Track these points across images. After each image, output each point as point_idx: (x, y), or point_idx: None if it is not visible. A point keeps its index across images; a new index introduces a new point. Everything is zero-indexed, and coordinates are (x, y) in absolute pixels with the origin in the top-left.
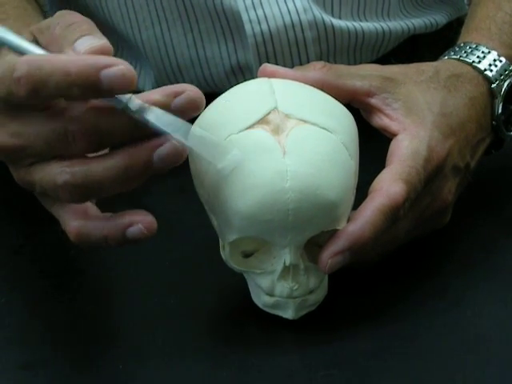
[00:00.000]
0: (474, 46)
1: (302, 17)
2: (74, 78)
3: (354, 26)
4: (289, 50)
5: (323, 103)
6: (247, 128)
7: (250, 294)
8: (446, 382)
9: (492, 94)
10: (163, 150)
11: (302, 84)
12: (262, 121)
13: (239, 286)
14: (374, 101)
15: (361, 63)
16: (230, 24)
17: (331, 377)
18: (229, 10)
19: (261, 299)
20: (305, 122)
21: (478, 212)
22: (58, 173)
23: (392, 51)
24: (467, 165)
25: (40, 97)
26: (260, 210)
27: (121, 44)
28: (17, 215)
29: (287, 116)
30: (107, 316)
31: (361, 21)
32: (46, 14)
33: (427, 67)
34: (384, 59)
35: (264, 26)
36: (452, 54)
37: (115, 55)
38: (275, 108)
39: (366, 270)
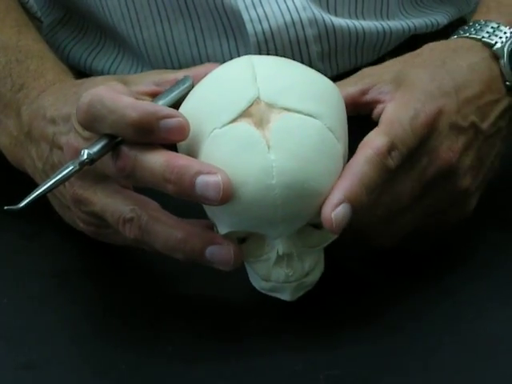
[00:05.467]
0: (470, 23)
1: (302, 14)
2: (132, 121)
3: (354, 25)
4: (290, 48)
5: (307, 83)
6: (230, 122)
7: (250, 292)
8: (447, 381)
9: (496, 57)
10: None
11: (285, 60)
12: (245, 113)
13: (240, 283)
14: (369, 96)
15: (362, 62)
16: (231, 22)
17: (333, 377)
18: (229, 8)
19: (258, 283)
20: (288, 110)
21: (482, 214)
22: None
23: (393, 51)
24: (473, 124)
25: (94, 129)
26: (248, 208)
27: (121, 44)
28: (18, 216)
29: (270, 105)
30: (108, 316)
31: (360, 20)
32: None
33: (422, 49)
34: (385, 59)
35: (265, 25)
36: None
37: (116, 57)
38: (257, 98)
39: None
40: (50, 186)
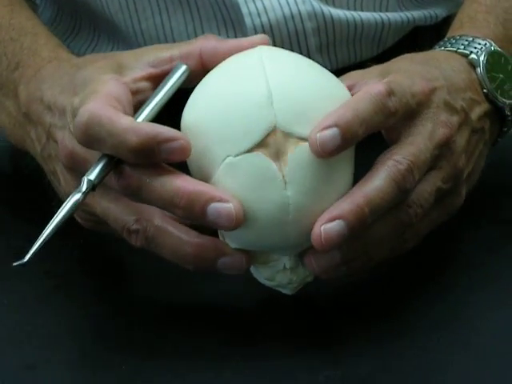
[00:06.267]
0: (445, 39)
1: (301, 8)
2: (133, 147)
3: (353, 16)
4: (289, 41)
5: (322, 98)
6: (246, 151)
7: (250, 293)
8: (447, 381)
9: (472, 65)
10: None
11: (297, 63)
12: (261, 143)
13: (241, 284)
14: (355, 90)
15: (362, 57)
16: (230, 14)
17: (333, 377)
18: (228, 1)
19: (261, 279)
20: (305, 139)
21: (478, 213)
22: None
23: (394, 47)
24: (463, 109)
25: (93, 148)
26: (261, 239)
27: (115, 38)
28: (19, 215)
29: (287, 135)
30: (109, 316)
31: (358, 11)
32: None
33: (401, 57)
34: (385, 55)
35: (264, 18)
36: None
37: (111, 49)
38: (275, 127)
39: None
40: (55, 226)
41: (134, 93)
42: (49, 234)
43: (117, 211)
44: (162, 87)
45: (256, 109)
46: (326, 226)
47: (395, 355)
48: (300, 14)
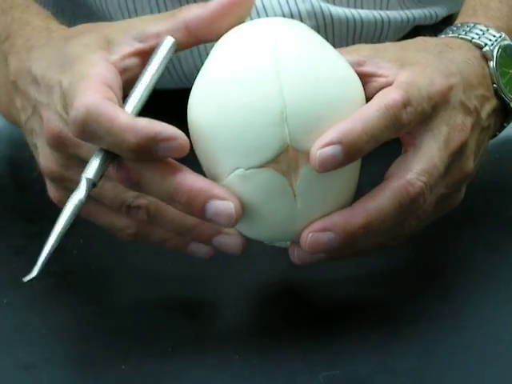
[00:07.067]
0: (458, 24)
1: (301, 6)
2: (132, 147)
3: (352, 14)
4: None
5: (338, 107)
6: (257, 167)
7: (250, 292)
8: (447, 381)
9: (485, 58)
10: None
11: (314, 58)
12: (273, 160)
13: (240, 283)
14: (365, 68)
15: None
16: None
17: (333, 378)
18: None
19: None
20: None
21: (478, 213)
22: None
23: None
24: (476, 109)
25: (89, 142)
26: (266, 239)
27: None
28: (19, 215)
29: (299, 151)
30: (109, 316)
31: (358, 9)
32: None
33: (414, 40)
34: None
35: (263, 17)
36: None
37: None
38: (287, 146)
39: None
40: (59, 234)
41: (122, 72)
42: (53, 244)
43: (113, 190)
44: (149, 64)
45: (270, 125)
46: (314, 235)
47: (395, 355)
48: (299, 12)
